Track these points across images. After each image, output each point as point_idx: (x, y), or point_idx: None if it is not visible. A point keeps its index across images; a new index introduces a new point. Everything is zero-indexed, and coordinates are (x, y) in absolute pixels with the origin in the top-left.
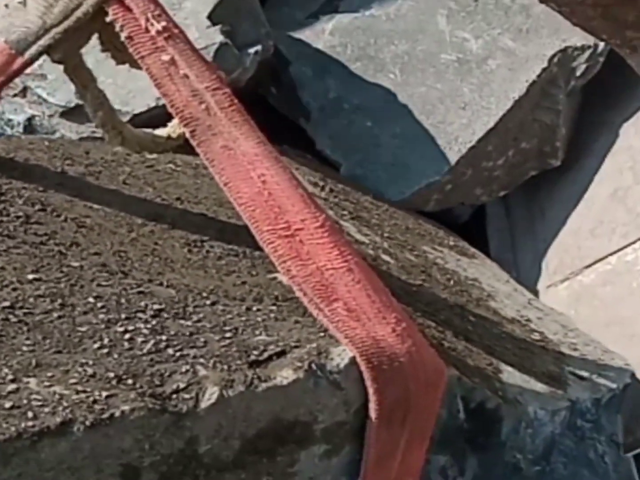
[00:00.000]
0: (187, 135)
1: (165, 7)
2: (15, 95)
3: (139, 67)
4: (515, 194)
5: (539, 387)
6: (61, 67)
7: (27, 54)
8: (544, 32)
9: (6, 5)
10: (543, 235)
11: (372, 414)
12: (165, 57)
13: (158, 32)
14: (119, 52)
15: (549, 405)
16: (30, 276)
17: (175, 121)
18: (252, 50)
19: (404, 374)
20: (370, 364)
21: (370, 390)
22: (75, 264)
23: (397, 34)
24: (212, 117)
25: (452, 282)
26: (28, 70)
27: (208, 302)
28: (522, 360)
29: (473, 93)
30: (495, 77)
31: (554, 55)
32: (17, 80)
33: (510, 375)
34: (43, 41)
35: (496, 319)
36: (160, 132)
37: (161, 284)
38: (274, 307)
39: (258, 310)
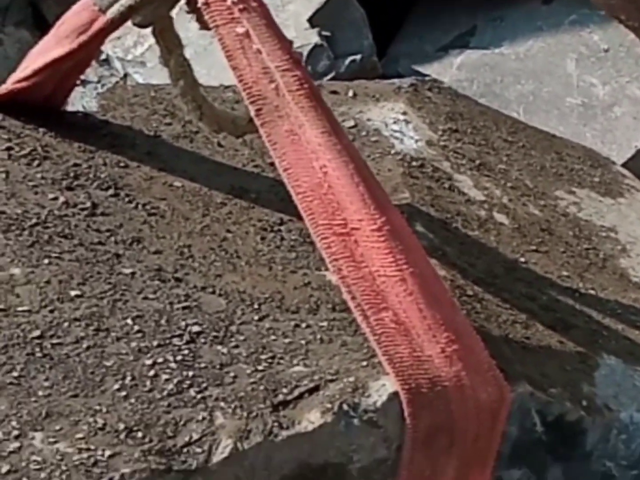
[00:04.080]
0: (252, 113)
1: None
2: (117, 82)
3: None
4: None
5: None
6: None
7: (109, 13)
8: None
9: None
10: None
11: (407, 437)
12: (240, 30)
13: (234, 3)
14: (203, 16)
15: None
16: (74, 292)
17: None
18: (350, 58)
19: (447, 399)
20: (407, 385)
21: (405, 413)
22: (128, 271)
23: (524, 74)
24: (280, 98)
25: (578, 238)
26: (129, 57)
27: (256, 317)
28: (633, 344)
29: (595, 139)
30: (619, 125)
31: None
32: (119, 66)
33: (608, 370)
34: (125, 1)
35: (620, 285)
36: (243, 114)
37: (214, 292)
38: (325, 323)
39: (307, 327)
